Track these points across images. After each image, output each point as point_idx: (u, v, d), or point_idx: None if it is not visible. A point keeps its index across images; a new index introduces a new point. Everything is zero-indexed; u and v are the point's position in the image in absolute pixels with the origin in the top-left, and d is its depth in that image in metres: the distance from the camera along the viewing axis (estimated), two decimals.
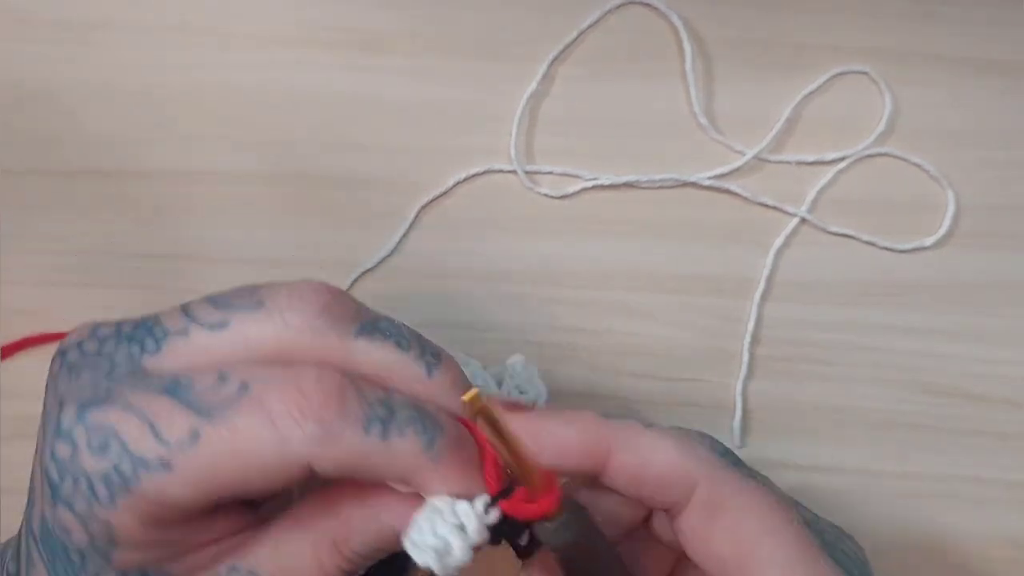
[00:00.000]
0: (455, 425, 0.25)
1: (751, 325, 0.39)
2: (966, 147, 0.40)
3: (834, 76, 0.40)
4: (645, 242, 0.39)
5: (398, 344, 0.26)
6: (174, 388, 0.24)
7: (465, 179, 0.39)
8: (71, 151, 0.39)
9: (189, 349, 0.25)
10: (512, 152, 0.39)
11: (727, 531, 0.26)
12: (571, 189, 0.39)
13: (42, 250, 0.38)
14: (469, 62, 0.40)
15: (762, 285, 0.39)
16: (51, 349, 0.38)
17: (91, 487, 0.23)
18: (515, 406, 0.31)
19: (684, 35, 0.39)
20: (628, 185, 0.39)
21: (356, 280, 0.39)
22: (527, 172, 0.39)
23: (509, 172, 0.39)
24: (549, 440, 0.27)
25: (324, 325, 0.25)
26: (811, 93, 0.40)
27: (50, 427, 0.24)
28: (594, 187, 0.39)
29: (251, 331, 0.25)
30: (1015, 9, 0.40)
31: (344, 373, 0.24)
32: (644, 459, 0.27)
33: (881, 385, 0.39)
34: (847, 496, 0.39)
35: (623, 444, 0.27)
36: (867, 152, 0.40)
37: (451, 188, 0.39)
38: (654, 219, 0.39)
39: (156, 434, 0.23)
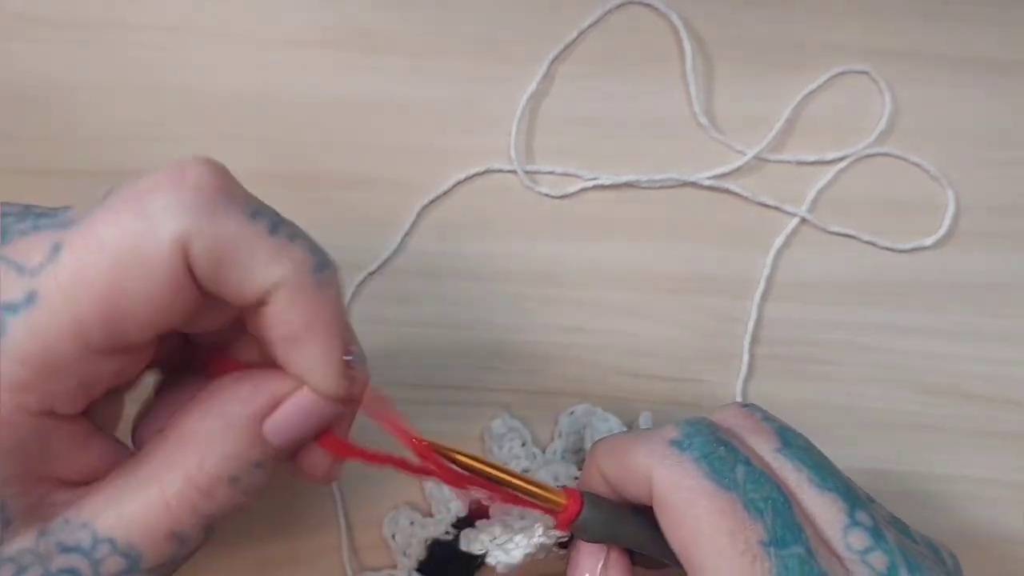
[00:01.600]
0: (339, 272, 0.24)
1: (751, 325, 0.39)
2: (966, 147, 0.40)
3: (834, 76, 0.40)
4: (645, 242, 0.39)
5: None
6: (46, 222, 0.21)
7: (465, 179, 0.39)
8: (71, 151, 0.39)
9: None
10: (512, 152, 0.39)
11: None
12: (571, 189, 0.39)
13: None
14: (469, 62, 0.40)
15: (762, 285, 0.39)
16: None
17: None
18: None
19: (684, 35, 0.39)
20: (628, 185, 0.39)
21: (361, 283, 0.39)
22: (527, 172, 0.39)
23: (509, 172, 0.39)
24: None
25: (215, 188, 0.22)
26: (811, 93, 0.40)
27: None
28: (594, 187, 0.39)
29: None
30: (1015, 9, 0.40)
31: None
32: (621, 463, 0.28)
33: (881, 385, 0.39)
34: None
35: (606, 458, 0.29)
36: (867, 152, 0.40)
37: (451, 188, 0.39)
38: (654, 219, 0.39)
39: (19, 268, 0.20)
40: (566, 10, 0.40)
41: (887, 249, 0.39)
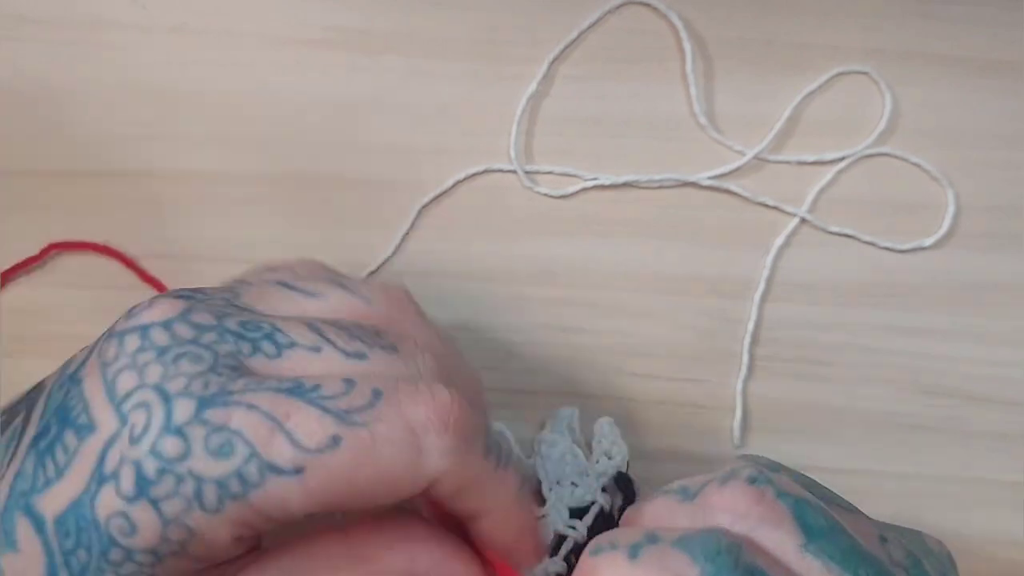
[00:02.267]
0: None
1: (751, 325, 0.39)
2: (966, 147, 0.40)
3: (834, 76, 0.40)
4: (645, 242, 0.39)
5: None
6: (300, 390, 0.23)
7: (465, 179, 0.39)
8: (71, 151, 0.39)
9: (315, 366, 0.24)
10: (512, 152, 0.39)
11: None
12: (571, 189, 0.39)
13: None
14: (469, 62, 0.40)
15: (762, 285, 0.39)
16: (50, 348, 0.38)
17: (199, 491, 0.22)
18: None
19: (684, 35, 0.39)
20: (628, 185, 0.39)
21: None
22: (527, 172, 0.39)
23: (509, 172, 0.39)
24: None
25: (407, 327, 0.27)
26: (811, 93, 0.40)
27: (147, 421, 0.22)
28: (594, 187, 0.39)
29: (388, 366, 0.25)
30: (1015, 9, 0.40)
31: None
32: None
33: (881, 385, 0.39)
34: (847, 496, 0.39)
35: None
36: (867, 152, 0.40)
37: (451, 188, 0.39)
38: (654, 219, 0.39)
39: (292, 439, 0.22)
40: (566, 10, 0.40)
41: (887, 249, 0.39)
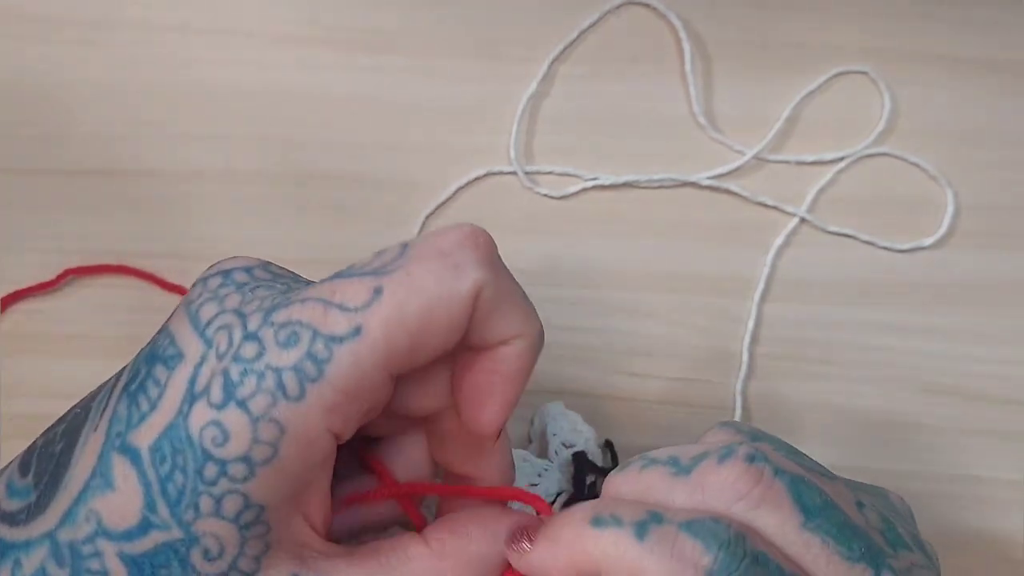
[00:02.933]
0: None
1: (751, 325, 0.39)
2: (966, 147, 0.40)
3: (834, 76, 0.40)
4: (645, 242, 0.39)
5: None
6: (351, 271, 0.25)
7: (467, 184, 0.39)
8: (71, 151, 0.39)
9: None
10: (512, 153, 0.39)
11: None
12: (571, 189, 0.39)
13: (42, 250, 0.38)
14: (469, 63, 0.40)
15: (762, 285, 0.39)
16: (53, 347, 0.38)
17: (280, 382, 0.23)
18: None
19: (683, 35, 0.39)
20: (628, 185, 0.39)
21: None
22: (527, 172, 0.39)
23: (509, 174, 0.39)
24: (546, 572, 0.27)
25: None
26: (811, 93, 0.40)
27: (230, 337, 0.24)
28: (594, 187, 0.39)
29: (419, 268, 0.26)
30: (1015, 9, 0.40)
31: None
32: None
33: (881, 385, 0.39)
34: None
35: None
36: (867, 152, 0.40)
37: (453, 194, 0.39)
38: (654, 219, 0.39)
39: (342, 307, 0.24)
40: (566, 11, 0.40)
41: (886, 249, 0.39)
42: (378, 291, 0.24)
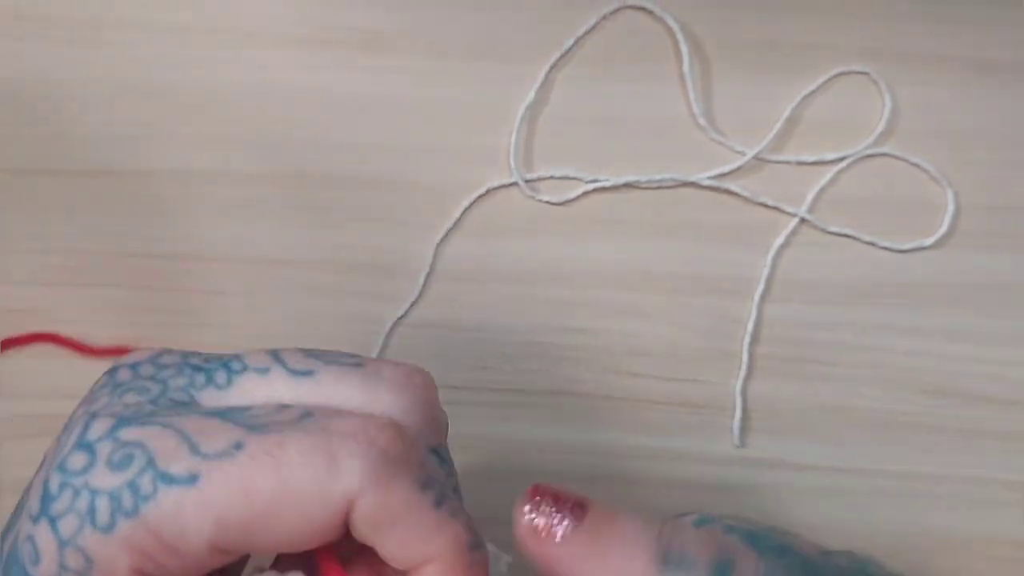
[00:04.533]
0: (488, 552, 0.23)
1: (751, 325, 0.39)
2: (966, 147, 0.40)
3: (834, 76, 0.40)
4: (645, 242, 0.39)
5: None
6: (227, 412, 0.22)
7: (470, 205, 0.39)
8: (71, 151, 0.39)
9: (264, 388, 0.23)
10: (512, 163, 0.39)
11: None
12: (572, 194, 0.39)
13: (42, 250, 0.38)
14: (469, 62, 0.40)
15: (762, 285, 0.39)
16: (53, 347, 0.38)
17: (92, 505, 0.21)
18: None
19: (680, 37, 0.39)
20: (628, 186, 0.39)
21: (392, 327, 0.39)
22: (527, 181, 0.39)
23: (510, 185, 0.39)
24: None
25: (418, 417, 0.23)
26: (811, 93, 0.40)
27: (69, 440, 0.22)
28: (594, 189, 0.39)
29: (339, 388, 0.23)
30: (1015, 9, 0.40)
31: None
32: None
33: (881, 385, 0.39)
34: (847, 496, 0.39)
35: None
36: (867, 152, 0.40)
37: (460, 217, 0.39)
38: (654, 219, 0.39)
39: (192, 448, 0.21)
40: (565, 15, 0.40)
41: (887, 249, 0.39)
42: (237, 445, 0.21)
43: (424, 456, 0.23)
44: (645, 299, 0.39)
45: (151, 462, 0.21)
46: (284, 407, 0.22)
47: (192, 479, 0.21)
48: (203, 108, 0.39)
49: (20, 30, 0.39)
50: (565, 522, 0.23)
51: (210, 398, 0.23)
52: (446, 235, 0.39)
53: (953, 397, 0.39)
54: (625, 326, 0.39)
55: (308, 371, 0.23)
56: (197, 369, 0.23)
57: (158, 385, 0.23)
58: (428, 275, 0.39)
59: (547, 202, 0.39)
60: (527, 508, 0.24)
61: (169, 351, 0.24)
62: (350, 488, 0.21)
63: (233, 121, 0.39)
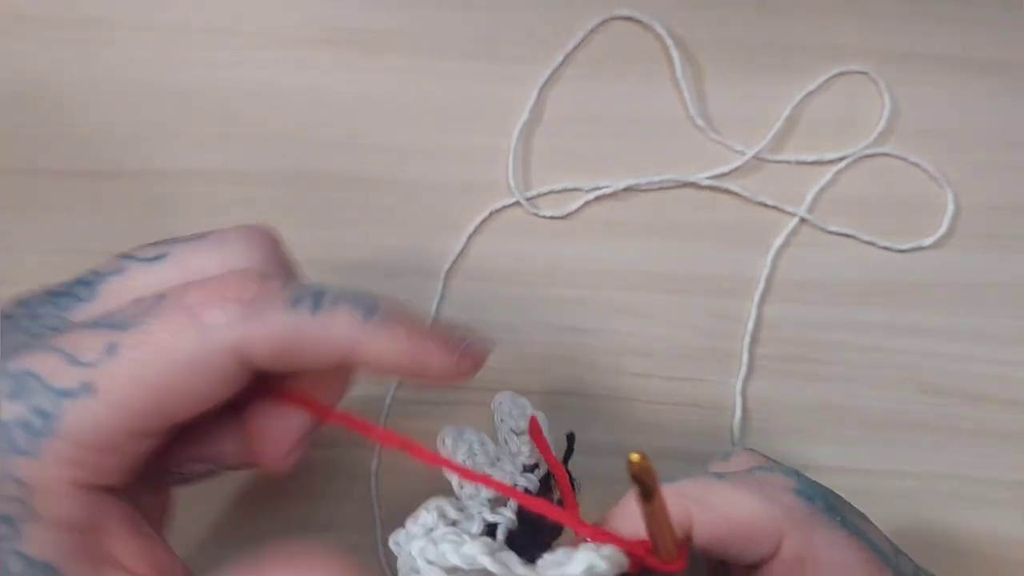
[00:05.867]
0: (391, 300, 0.24)
1: (751, 325, 0.39)
2: (966, 147, 0.40)
3: (834, 76, 0.40)
4: (645, 242, 0.39)
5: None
6: (94, 321, 0.23)
7: (474, 230, 0.39)
8: (71, 151, 0.39)
9: (125, 287, 0.24)
10: (511, 183, 0.39)
11: None
12: (574, 206, 0.39)
13: (42, 250, 0.38)
14: (469, 63, 0.40)
15: (762, 285, 0.39)
16: None
17: (9, 435, 0.22)
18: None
19: (670, 42, 0.39)
20: (628, 189, 0.39)
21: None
22: (528, 199, 0.39)
23: (512, 206, 0.39)
24: (631, 522, 0.25)
25: (271, 265, 0.25)
26: (811, 93, 0.40)
27: None
28: (596, 198, 0.39)
29: (192, 261, 0.24)
30: (1015, 9, 0.40)
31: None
32: (724, 516, 0.25)
33: (881, 385, 0.39)
34: (847, 496, 0.39)
35: (700, 504, 0.25)
36: (867, 152, 0.40)
37: (465, 244, 0.39)
38: (654, 220, 0.39)
39: (74, 361, 0.22)
40: (565, 15, 0.40)
41: (886, 249, 0.39)
42: (112, 348, 0.22)
43: (283, 281, 0.24)
44: (645, 299, 0.39)
45: (42, 384, 0.22)
46: (138, 300, 0.23)
47: (85, 388, 0.22)
48: (203, 108, 0.39)
49: (20, 30, 0.39)
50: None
51: (81, 313, 0.24)
52: (453, 263, 0.39)
53: (953, 397, 0.39)
54: (625, 326, 0.39)
55: (160, 255, 0.24)
56: (59, 294, 0.25)
57: (27, 318, 0.24)
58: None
59: (550, 217, 0.39)
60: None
61: (29, 292, 0.25)
62: (227, 337, 0.22)
63: (233, 121, 0.39)
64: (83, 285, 0.25)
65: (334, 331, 0.23)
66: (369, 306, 0.24)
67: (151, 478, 0.25)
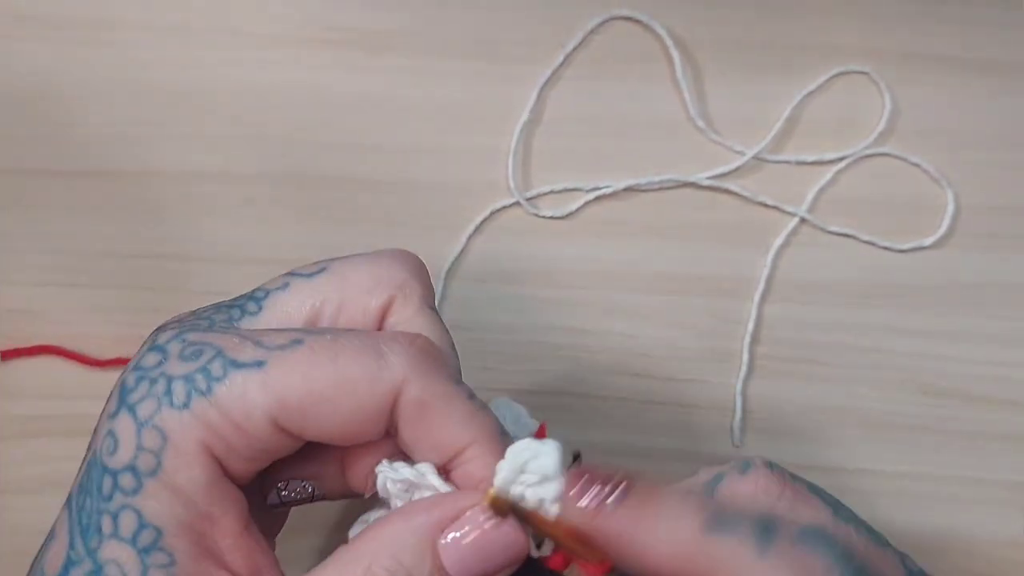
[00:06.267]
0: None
1: (751, 325, 0.39)
2: (966, 147, 0.40)
3: (834, 76, 0.40)
4: (645, 243, 0.39)
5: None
6: (290, 327, 0.25)
7: (474, 231, 0.39)
8: (71, 151, 0.39)
9: (289, 301, 0.26)
10: (511, 184, 0.39)
11: None
12: (574, 206, 0.39)
13: (42, 250, 0.38)
14: (469, 63, 0.40)
15: (762, 285, 0.39)
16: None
17: (169, 388, 0.23)
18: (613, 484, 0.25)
19: (670, 43, 0.39)
20: (628, 189, 0.39)
21: None
22: (529, 199, 0.39)
23: (512, 206, 0.39)
24: (637, 553, 0.24)
25: (419, 281, 0.26)
26: (811, 93, 0.40)
27: (138, 353, 0.24)
28: (596, 198, 0.39)
29: (348, 273, 0.26)
30: (1015, 9, 0.40)
31: None
32: None
33: (881, 385, 0.39)
34: (847, 496, 0.38)
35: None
36: (867, 152, 0.40)
37: (465, 244, 0.39)
38: (654, 220, 0.39)
39: (257, 343, 0.24)
40: (565, 15, 0.40)
41: (887, 249, 0.39)
42: (297, 341, 0.24)
43: (453, 362, 0.26)
44: (645, 299, 0.39)
45: (220, 352, 0.23)
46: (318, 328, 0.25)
47: (258, 364, 0.23)
48: (203, 108, 0.39)
49: (20, 30, 0.39)
50: (611, 497, 0.24)
51: (249, 324, 0.26)
52: (453, 263, 0.39)
53: (953, 397, 0.39)
54: (625, 326, 0.39)
55: (320, 269, 0.26)
56: (230, 307, 0.26)
57: (204, 320, 0.25)
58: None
59: (550, 217, 0.39)
60: (572, 493, 0.24)
61: (200, 307, 0.27)
62: (397, 377, 0.23)
63: (233, 121, 0.39)
64: (251, 300, 0.26)
65: (474, 425, 0.25)
66: (504, 431, 0.25)
67: (264, 492, 0.26)
